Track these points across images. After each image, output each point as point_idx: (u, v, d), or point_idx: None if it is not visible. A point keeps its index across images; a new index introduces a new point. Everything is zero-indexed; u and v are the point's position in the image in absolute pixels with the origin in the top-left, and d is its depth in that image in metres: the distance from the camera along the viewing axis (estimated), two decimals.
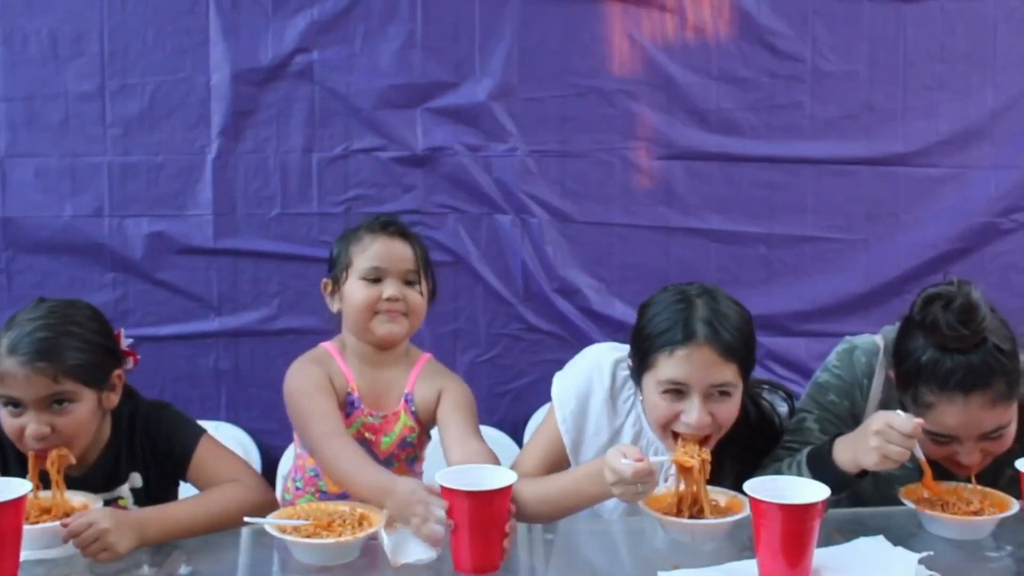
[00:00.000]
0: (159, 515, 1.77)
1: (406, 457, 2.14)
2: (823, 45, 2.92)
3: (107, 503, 1.86)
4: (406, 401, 2.11)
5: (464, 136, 2.88)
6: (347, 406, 2.08)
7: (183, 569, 1.64)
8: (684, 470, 1.77)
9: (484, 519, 1.58)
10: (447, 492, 1.59)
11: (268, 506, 1.82)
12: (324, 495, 2.09)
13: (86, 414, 1.81)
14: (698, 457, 1.77)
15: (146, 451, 1.93)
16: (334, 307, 2.12)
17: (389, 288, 2.05)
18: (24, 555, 1.56)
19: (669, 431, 1.84)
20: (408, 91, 2.86)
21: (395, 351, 2.11)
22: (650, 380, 1.83)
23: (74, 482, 1.83)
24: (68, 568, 1.65)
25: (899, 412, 1.69)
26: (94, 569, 1.65)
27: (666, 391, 1.81)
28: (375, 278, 2.05)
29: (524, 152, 2.90)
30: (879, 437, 1.66)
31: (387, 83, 2.85)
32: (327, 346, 2.14)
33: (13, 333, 1.78)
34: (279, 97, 2.84)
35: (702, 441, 1.82)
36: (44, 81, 2.78)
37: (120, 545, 1.64)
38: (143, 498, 1.91)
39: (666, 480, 1.83)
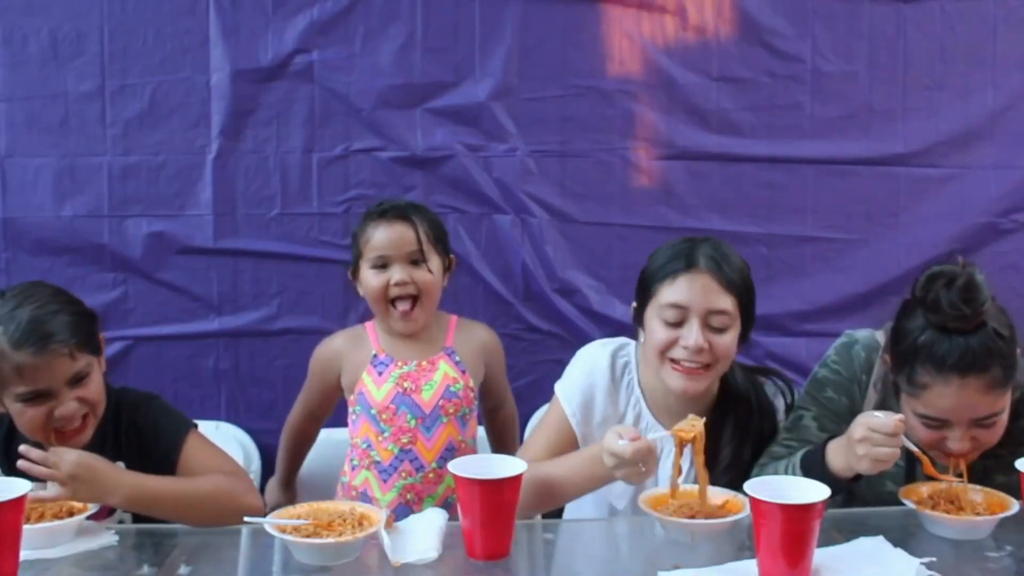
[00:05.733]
0: (133, 480, 1.76)
1: (455, 411, 2.25)
2: (823, 45, 2.91)
3: None
4: (447, 354, 2.27)
5: (464, 136, 2.88)
6: (377, 367, 2.24)
7: (183, 569, 1.64)
8: (683, 442, 1.78)
9: (495, 506, 1.64)
10: (460, 481, 1.64)
11: (255, 508, 1.79)
12: (378, 464, 2.23)
13: (100, 380, 1.86)
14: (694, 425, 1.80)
15: (132, 441, 1.91)
16: (361, 293, 2.29)
17: (396, 273, 2.21)
18: (24, 555, 1.56)
19: (667, 359, 1.90)
20: (408, 91, 2.86)
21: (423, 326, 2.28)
22: (652, 310, 1.92)
23: None
24: (68, 568, 1.65)
25: (876, 413, 1.70)
26: (93, 568, 1.65)
27: (666, 317, 1.88)
28: (382, 265, 2.22)
29: (524, 152, 2.90)
30: (865, 444, 1.67)
31: (387, 83, 2.85)
32: (370, 322, 2.35)
33: (1, 328, 1.75)
34: (279, 97, 2.84)
35: (702, 369, 1.86)
36: (44, 81, 2.78)
37: (71, 491, 1.68)
38: None
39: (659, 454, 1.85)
